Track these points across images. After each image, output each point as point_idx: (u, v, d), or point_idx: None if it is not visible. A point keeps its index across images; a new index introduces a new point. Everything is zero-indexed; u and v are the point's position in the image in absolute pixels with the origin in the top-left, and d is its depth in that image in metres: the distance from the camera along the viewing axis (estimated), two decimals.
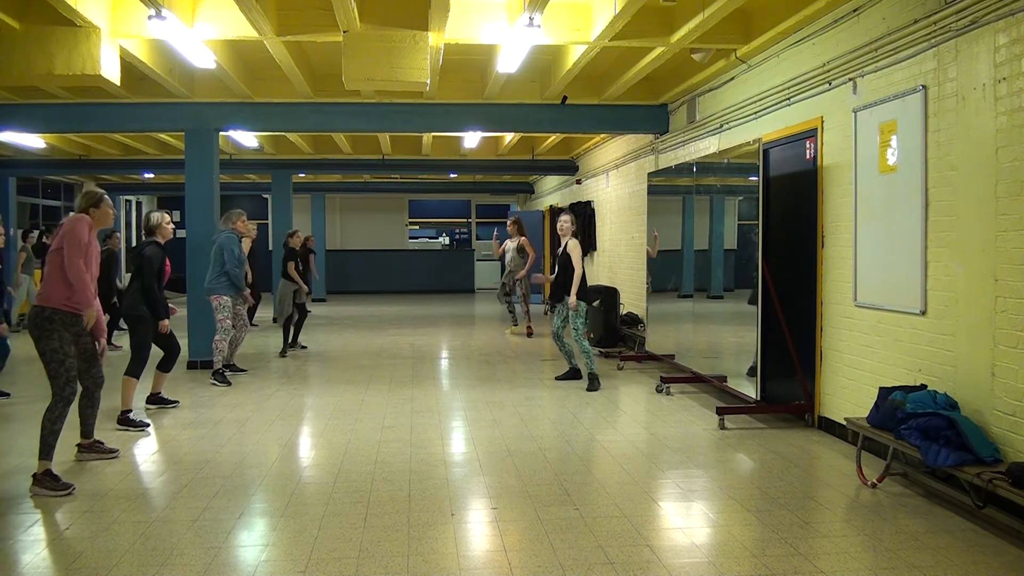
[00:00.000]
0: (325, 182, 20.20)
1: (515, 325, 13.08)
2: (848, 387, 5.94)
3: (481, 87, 9.54)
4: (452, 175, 18.38)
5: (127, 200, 21.95)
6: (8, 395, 7.66)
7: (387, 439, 6.08)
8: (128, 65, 7.66)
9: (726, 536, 4.14)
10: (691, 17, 6.45)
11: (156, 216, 6.78)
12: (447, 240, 25.09)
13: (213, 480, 5.05)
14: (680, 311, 9.22)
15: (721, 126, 8.34)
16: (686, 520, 4.41)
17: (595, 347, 10.09)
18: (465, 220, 24.92)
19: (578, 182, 15.95)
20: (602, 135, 12.86)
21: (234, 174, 17.59)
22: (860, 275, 5.75)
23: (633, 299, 11.34)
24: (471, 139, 13.12)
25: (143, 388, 6.98)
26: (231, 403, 7.46)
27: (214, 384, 8.27)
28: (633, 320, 10.96)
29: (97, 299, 5.22)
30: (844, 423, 5.68)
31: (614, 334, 10.83)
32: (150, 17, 5.93)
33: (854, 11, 5.79)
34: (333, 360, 10.30)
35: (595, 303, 9.98)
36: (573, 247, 8.14)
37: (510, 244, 12.87)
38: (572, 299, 7.96)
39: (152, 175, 17.61)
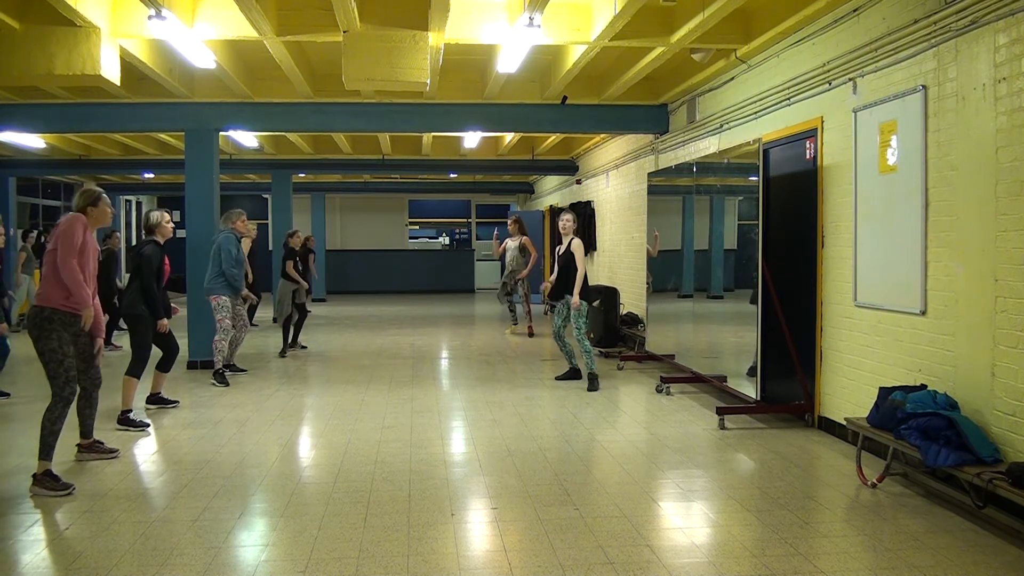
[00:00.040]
0: (325, 182, 20.19)
1: (515, 325, 13.07)
2: (848, 387, 5.94)
3: (481, 87, 9.53)
4: (452, 175, 18.38)
5: (127, 200, 21.96)
6: (8, 395, 7.66)
7: (387, 439, 6.08)
8: (128, 65, 7.66)
9: (726, 536, 4.14)
10: (691, 17, 6.45)
11: (156, 215, 6.77)
12: (447, 240, 25.08)
13: (213, 480, 5.05)
14: (680, 311, 9.22)
15: (721, 126, 8.33)
16: (686, 520, 4.41)
17: (595, 347, 10.08)
18: (465, 220, 24.92)
19: (578, 182, 15.94)
20: (602, 135, 12.86)
21: (234, 174, 17.59)
22: (860, 275, 5.75)
23: (633, 299, 11.34)
24: (471, 139, 13.12)
25: (143, 388, 6.98)
26: (231, 403, 7.46)
27: (214, 384, 8.27)
28: (633, 320, 10.96)
29: (96, 299, 5.22)
30: (844, 423, 5.68)
31: (614, 334, 10.83)
32: (150, 17, 5.93)
33: (854, 11, 5.79)
34: (333, 360, 10.30)
35: (595, 303, 9.98)
36: (577, 246, 8.12)
37: (511, 243, 12.83)
38: (575, 299, 7.96)
39: (152, 175, 17.62)
